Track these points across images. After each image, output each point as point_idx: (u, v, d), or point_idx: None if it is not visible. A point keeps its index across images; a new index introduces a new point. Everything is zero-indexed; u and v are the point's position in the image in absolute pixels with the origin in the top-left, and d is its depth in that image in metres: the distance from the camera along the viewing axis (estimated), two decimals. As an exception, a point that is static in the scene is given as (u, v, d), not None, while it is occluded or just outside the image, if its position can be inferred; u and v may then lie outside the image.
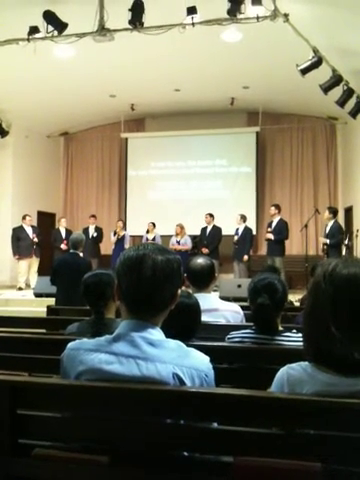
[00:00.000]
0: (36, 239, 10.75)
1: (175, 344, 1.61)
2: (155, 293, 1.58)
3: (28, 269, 10.78)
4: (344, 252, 9.23)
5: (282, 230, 10.12)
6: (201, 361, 1.61)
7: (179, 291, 1.67)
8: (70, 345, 1.67)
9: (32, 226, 11.08)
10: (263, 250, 11.67)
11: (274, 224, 10.26)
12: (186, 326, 2.28)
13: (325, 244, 9.24)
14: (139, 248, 1.63)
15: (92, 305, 2.78)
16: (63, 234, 11.35)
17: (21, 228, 10.87)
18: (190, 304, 2.36)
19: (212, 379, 1.63)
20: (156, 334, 1.60)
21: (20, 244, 10.71)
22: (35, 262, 10.85)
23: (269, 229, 10.23)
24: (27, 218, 10.95)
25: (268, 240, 10.23)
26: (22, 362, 2.67)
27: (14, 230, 10.85)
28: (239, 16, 6.80)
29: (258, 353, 2.49)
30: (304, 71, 7.57)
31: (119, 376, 1.55)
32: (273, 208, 10.48)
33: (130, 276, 1.58)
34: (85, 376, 1.59)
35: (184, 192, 13.27)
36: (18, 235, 10.75)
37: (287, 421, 1.46)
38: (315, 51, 7.44)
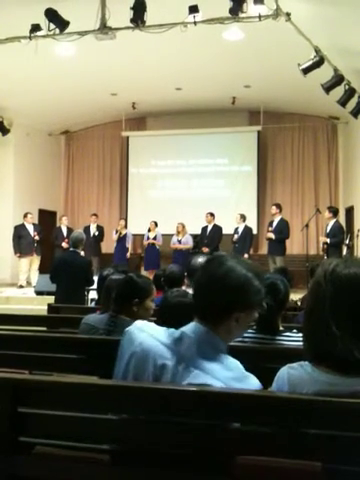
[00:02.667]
0: (37, 237, 10.76)
1: (235, 364, 1.57)
2: (208, 301, 1.57)
3: (29, 267, 10.80)
4: (345, 252, 9.22)
5: (283, 229, 10.13)
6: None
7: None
8: (137, 323, 1.68)
9: (33, 224, 11.09)
10: (264, 249, 11.67)
11: (275, 223, 10.27)
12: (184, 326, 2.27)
13: (325, 243, 9.23)
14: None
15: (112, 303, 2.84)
16: (64, 232, 11.34)
17: (22, 226, 10.88)
18: (187, 303, 2.35)
19: None
20: (221, 346, 1.58)
21: (21, 242, 10.72)
22: (36, 260, 10.87)
23: (270, 228, 10.23)
24: (28, 216, 10.96)
25: (269, 239, 10.24)
26: (23, 360, 2.68)
27: (15, 228, 10.86)
28: (241, 15, 6.78)
29: (259, 353, 2.49)
30: (306, 70, 7.55)
31: None
32: (274, 207, 10.49)
33: (200, 276, 1.59)
34: (135, 358, 1.59)
35: (185, 191, 13.26)
36: (19, 233, 10.76)
37: (287, 421, 1.46)
38: (317, 50, 7.42)
